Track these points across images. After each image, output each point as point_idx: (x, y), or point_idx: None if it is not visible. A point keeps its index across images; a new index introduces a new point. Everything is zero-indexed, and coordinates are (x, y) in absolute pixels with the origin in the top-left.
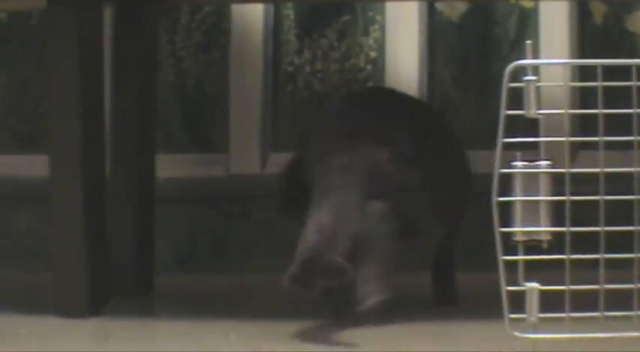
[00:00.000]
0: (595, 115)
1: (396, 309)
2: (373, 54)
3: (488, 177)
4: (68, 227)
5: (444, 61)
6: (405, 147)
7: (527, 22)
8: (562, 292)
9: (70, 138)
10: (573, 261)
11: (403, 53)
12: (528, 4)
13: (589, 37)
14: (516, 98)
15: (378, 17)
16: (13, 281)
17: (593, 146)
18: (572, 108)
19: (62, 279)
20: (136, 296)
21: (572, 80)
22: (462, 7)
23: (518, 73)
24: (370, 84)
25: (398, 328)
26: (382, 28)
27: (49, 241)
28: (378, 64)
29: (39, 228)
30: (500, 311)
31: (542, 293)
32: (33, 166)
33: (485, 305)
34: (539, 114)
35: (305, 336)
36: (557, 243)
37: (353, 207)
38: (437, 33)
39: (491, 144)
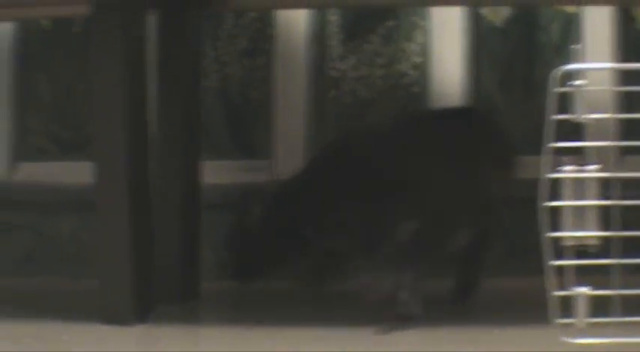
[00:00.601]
0: (638, 120)
1: (438, 313)
2: (418, 59)
3: (532, 182)
4: (114, 233)
5: (488, 66)
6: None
7: (571, 27)
8: (609, 297)
9: (115, 145)
10: (621, 266)
11: (448, 58)
12: (572, 10)
13: (632, 41)
14: (558, 103)
15: (422, 22)
16: (58, 288)
17: (637, 151)
18: (614, 113)
19: (108, 286)
20: (182, 303)
21: (614, 85)
22: (505, 12)
23: (564, 78)
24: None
25: (441, 333)
26: (426, 34)
27: (94, 248)
28: (423, 69)
29: (83, 235)
30: (545, 316)
31: (590, 298)
32: (77, 173)
33: (531, 311)
34: (587, 118)
35: (352, 342)
36: (604, 247)
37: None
38: (481, 38)
39: (535, 149)
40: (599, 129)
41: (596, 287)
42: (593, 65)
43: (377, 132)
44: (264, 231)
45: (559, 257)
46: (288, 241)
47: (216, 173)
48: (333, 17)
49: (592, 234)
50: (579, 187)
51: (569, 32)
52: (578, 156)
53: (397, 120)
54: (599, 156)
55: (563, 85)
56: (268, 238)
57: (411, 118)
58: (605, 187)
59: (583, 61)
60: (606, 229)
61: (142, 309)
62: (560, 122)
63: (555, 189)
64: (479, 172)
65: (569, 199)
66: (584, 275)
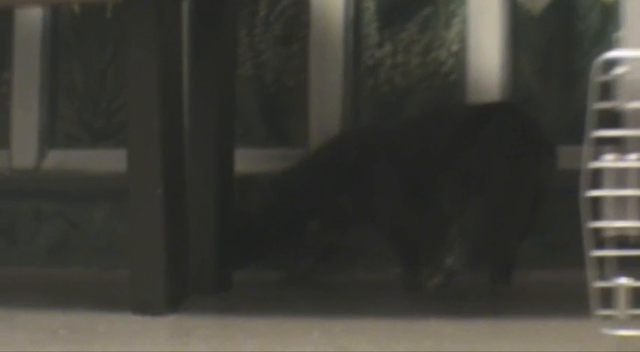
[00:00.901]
0: None
1: (479, 307)
2: (455, 47)
3: (572, 173)
4: (147, 222)
5: (526, 55)
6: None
7: (609, 16)
8: None
9: (149, 132)
10: None
11: (485, 46)
12: None
13: None
14: (600, 91)
15: (459, 10)
16: (89, 278)
17: None
18: None
19: (140, 276)
20: (216, 293)
21: None
22: (543, 1)
23: (605, 66)
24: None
25: (482, 326)
26: (464, 21)
27: (127, 237)
28: (460, 57)
29: (115, 224)
30: (586, 308)
31: (631, 289)
32: (109, 161)
33: (571, 303)
34: (629, 107)
35: (390, 335)
36: None
37: None
38: (519, 26)
39: (574, 139)
40: (637, 118)
41: (638, 278)
42: (636, 53)
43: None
44: (262, 219)
45: (600, 248)
46: (285, 230)
47: (251, 161)
48: (369, 4)
49: (633, 224)
50: (620, 177)
51: (609, 20)
52: (620, 146)
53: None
54: (638, 146)
55: (604, 73)
56: (266, 226)
57: (439, 114)
58: None
59: (623, 48)
60: None
61: (174, 299)
62: (602, 111)
63: (596, 179)
64: (511, 170)
65: (611, 189)
66: (626, 266)
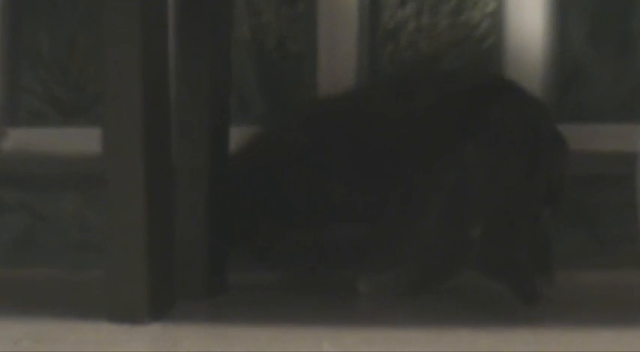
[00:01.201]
0: None
1: (514, 314)
2: (491, 6)
3: (624, 156)
4: (126, 214)
5: (575, 15)
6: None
7: None
8: None
9: (129, 107)
10: None
11: (527, 6)
12: None
13: None
14: None
15: None
16: (58, 279)
17: None
18: None
19: (118, 277)
20: (207, 298)
21: None
22: None
23: None
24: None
25: (520, 336)
26: None
27: (102, 231)
28: (497, 18)
29: (88, 216)
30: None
31: None
32: (81, 141)
33: (622, 307)
34: None
35: (415, 345)
36: None
37: None
38: None
39: (630, 116)
40: None
41: None
42: None
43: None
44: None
45: None
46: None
47: None
48: None
49: None
50: None
51: None
52: None
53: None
54: None
55: None
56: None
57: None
58: None
59: None
60: None
61: (158, 305)
62: None
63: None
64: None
65: None
66: None
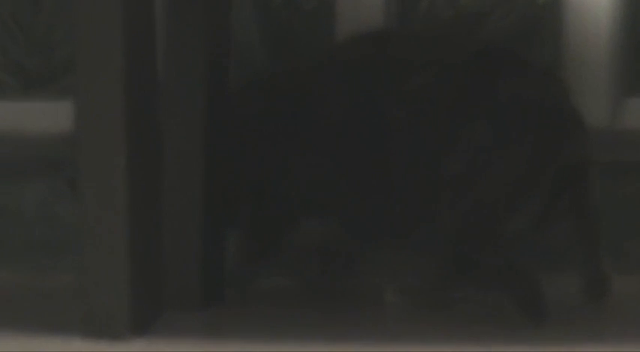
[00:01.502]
0: None
1: (559, 325)
2: None
3: None
4: (104, 208)
5: None
6: None
7: None
8: None
9: (108, 76)
10: None
11: None
12: None
13: None
14: None
15: None
16: (21, 286)
17: None
18: None
19: (95, 284)
20: (199, 310)
21: None
22: None
23: None
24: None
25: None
26: None
27: (75, 228)
28: None
29: (56, 209)
30: None
31: None
32: (47, 117)
33: None
34: None
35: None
36: None
37: None
38: None
39: None
40: None
41: None
42: None
43: None
44: None
45: None
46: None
47: None
48: None
49: None
50: None
51: None
52: None
53: None
54: None
55: None
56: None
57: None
58: None
59: None
60: None
61: (142, 318)
62: None
63: None
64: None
65: None
66: None
